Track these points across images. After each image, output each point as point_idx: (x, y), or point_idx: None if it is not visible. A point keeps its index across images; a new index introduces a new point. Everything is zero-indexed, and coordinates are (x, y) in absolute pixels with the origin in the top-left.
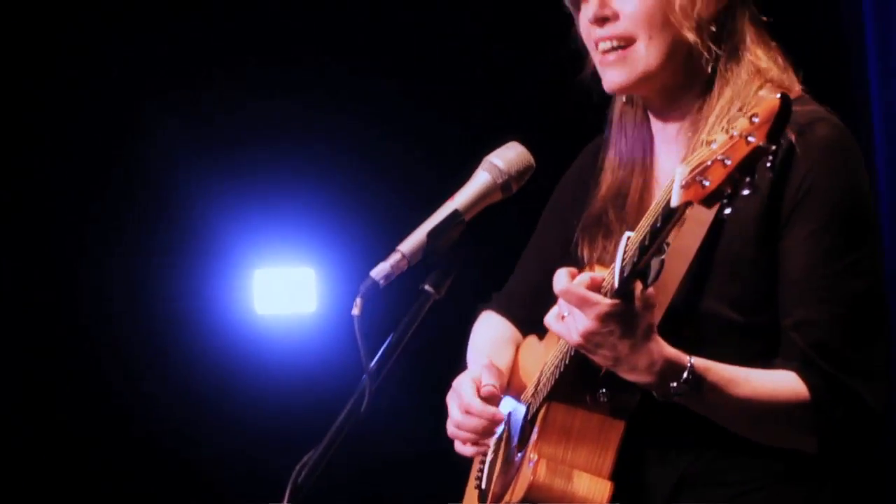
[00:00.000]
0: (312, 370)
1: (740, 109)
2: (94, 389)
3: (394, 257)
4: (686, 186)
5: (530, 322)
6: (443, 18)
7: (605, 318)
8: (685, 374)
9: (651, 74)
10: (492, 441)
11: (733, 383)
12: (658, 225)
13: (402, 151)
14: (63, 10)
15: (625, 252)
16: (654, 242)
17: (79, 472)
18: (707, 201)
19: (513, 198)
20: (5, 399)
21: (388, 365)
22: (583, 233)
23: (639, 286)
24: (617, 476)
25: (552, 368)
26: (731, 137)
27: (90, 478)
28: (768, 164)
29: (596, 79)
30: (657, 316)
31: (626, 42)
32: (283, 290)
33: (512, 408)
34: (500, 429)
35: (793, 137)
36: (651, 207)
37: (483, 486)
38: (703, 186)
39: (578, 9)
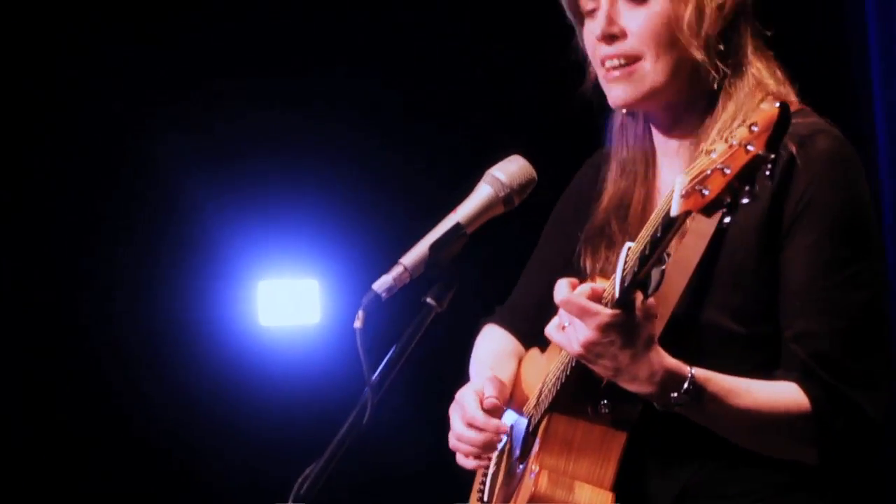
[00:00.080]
0: (316, 381)
1: (743, 122)
2: (99, 400)
3: (396, 270)
4: (686, 196)
5: (533, 335)
6: (445, 28)
7: (605, 329)
8: (686, 385)
9: (657, 91)
10: (494, 454)
11: (734, 394)
12: (658, 235)
13: (406, 163)
14: (69, 19)
15: (625, 262)
16: (655, 252)
17: (79, 478)
18: (707, 210)
19: (515, 211)
20: (5, 408)
21: (390, 378)
22: (585, 244)
23: (639, 296)
24: (618, 487)
25: (554, 380)
26: (731, 146)
27: (91, 484)
28: (767, 173)
29: (597, 90)
30: (659, 327)
31: (632, 60)
32: (287, 301)
33: (514, 420)
34: (502, 441)
35: (794, 149)
36: (651, 217)
37: (485, 498)
38: (703, 195)
39: (582, 22)
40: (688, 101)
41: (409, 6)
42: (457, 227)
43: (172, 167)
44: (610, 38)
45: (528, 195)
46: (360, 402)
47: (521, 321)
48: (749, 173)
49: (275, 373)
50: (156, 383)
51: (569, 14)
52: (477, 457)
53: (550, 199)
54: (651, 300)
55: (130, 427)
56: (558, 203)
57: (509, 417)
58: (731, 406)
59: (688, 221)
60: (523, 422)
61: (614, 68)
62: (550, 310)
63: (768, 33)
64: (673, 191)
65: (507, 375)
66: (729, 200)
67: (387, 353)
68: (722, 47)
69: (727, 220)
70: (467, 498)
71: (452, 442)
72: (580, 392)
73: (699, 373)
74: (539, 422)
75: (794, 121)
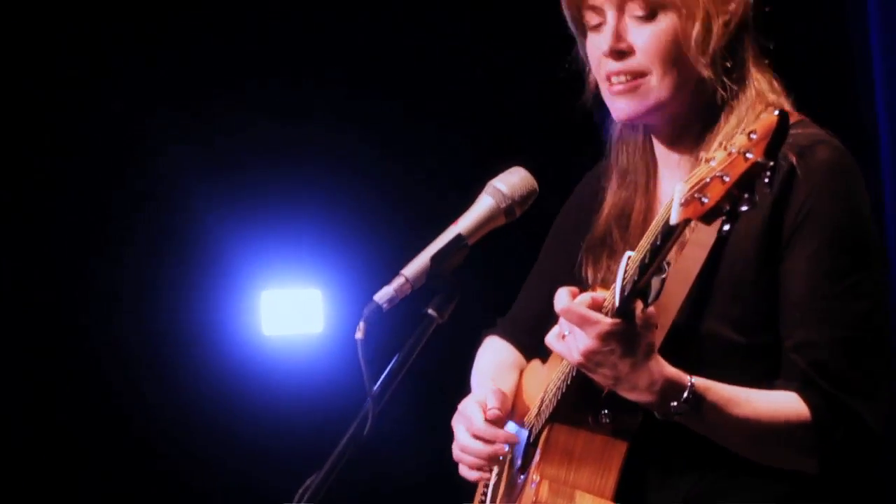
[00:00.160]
0: (319, 391)
1: (742, 130)
2: (102, 410)
3: (397, 281)
4: (685, 204)
5: (534, 347)
6: (446, 38)
7: (605, 337)
8: (685, 394)
9: (661, 105)
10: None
11: (733, 403)
12: (658, 243)
13: (408, 173)
14: (71, 24)
15: (625, 271)
16: (655, 261)
17: (80, 482)
18: (706, 218)
19: (516, 222)
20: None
21: (391, 388)
22: (587, 253)
23: (639, 305)
24: (619, 497)
25: (554, 390)
26: (730, 154)
27: (91, 488)
28: (766, 181)
29: (598, 100)
30: (659, 337)
31: (639, 75)
32: (291, 311)
33: (515, 431)
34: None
35: (794, 160)
36: (651, 226)
37: None
38: (703, 203)
39: (584, 34)
40: (690, 114)
41: (409, 17)
42: (458, 239)
43: (175, 177)
44: (618, 54)
45: (530, 206)
46: (361, 413)
47: (523, 333)
48: (748, 181)
49: (277, 382)
50: (160, 393)
51: (571, 26)
52: (480, 468)
53: (552, 210)
54: (651, 309)
55: (133, 436)
56: (559, 216)
57: (510, 429)
58: (731, 415)
59: (688, 231)
60: (524, 433)
61: (620, 83)
62: (551, 321)
63: (770, 46)
64: (673, 199)
65: (508, 387)
66: (728, 208)
67: (388, 364)
68: (728, 63)
69: (727, 228)
70: None
71: (456, 453)
72: (581, 402)
73: (699, 382)
74: (540, 432)
75: (794, 131)
